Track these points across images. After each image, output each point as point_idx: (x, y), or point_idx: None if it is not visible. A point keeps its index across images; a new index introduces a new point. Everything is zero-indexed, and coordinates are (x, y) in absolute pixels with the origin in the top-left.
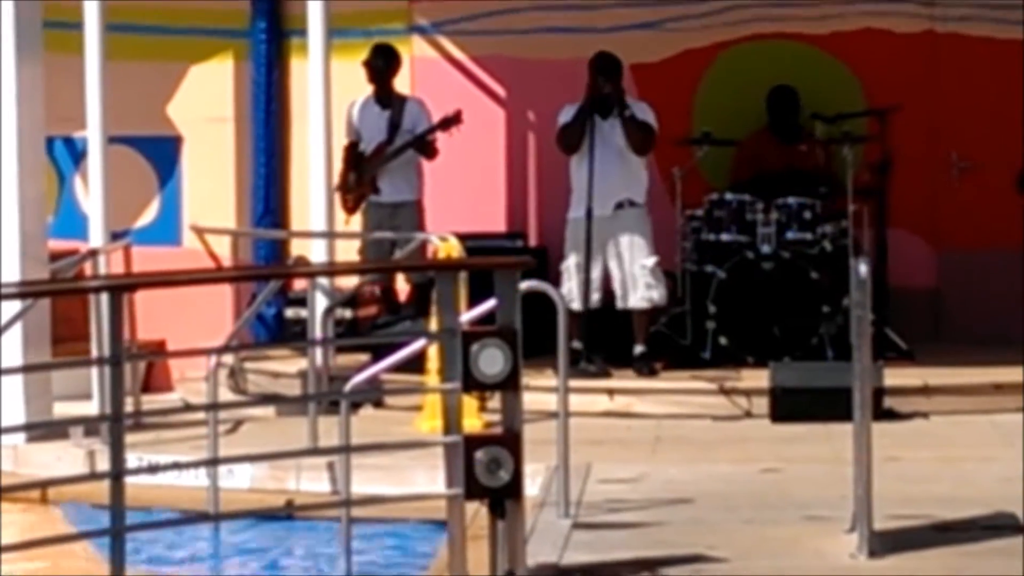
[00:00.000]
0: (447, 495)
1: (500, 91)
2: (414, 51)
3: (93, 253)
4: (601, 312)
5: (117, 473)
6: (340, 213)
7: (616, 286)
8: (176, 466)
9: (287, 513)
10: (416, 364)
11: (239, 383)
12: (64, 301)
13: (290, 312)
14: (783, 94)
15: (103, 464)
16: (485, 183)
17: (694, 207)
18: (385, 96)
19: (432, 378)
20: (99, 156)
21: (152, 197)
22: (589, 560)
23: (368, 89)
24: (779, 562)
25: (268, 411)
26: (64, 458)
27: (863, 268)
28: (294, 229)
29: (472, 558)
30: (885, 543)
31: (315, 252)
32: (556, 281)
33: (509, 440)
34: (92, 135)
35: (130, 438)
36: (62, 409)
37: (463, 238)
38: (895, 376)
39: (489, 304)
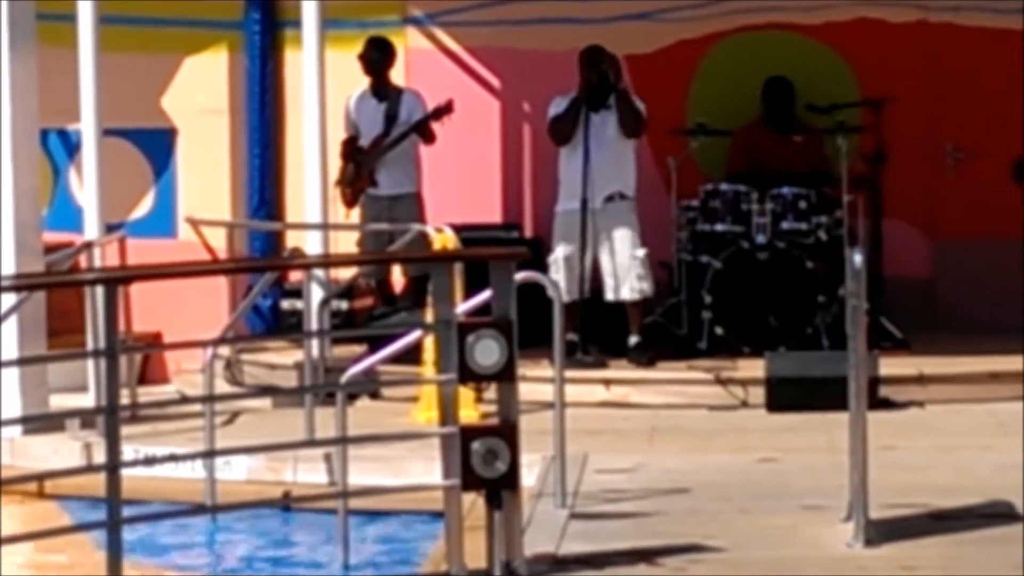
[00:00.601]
0: (444, 486)
1: (495, 82)
2: (409, 42)
3: (88, 245)
4: (596, 303)
5: (113, 465)
6: (340, 206)
7: (606, 277)
8: (172, 458)
9: (284, 505)
10: (412, 355)
11: (235, 375)
12: (59, 294)
13: (286, 304)
14: (778, 85)
15: (99, 456)
16: (480, 174)
17: (689, 198)
18: (382, 88)
19: (428, 369)
20: (94, 148)
21: (147, 189)
22: (586, 550)
23: (364, 81)
24: (776, 551)
25: (264, 403)
26: (60, 450)
27: (858, 258)
28: (289, 221)
29: (469, 549)
30: (881, 532)
31: (311, 244)
32: (549, 272)
33: (505, 431)
34: (86, 127)
35: (126, 430)
36: (58, 401)
37: (458, 229)
38: (891, 365)
39: (485, 295)
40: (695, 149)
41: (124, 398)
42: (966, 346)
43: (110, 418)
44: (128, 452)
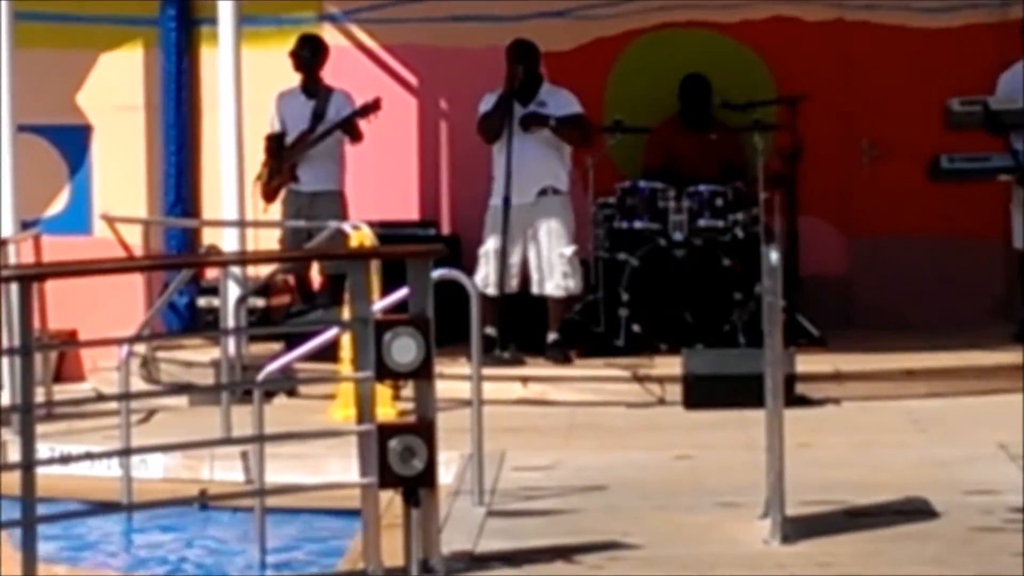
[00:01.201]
0: (361, 484)
1: (412, 80)
2: (325, 39)
3: (2, 243)
4: (516, 299)
5: (28, 464)
6: (259, 201)
7: (533, 272)
8: (88, 456)
9: (201, 503)
10: (329, 353)
11: (151, 373)
12: None
13: (202, 301)
14: (694, 83)
15: (14, 455)
16: (397, 172)
17: (606, 195)
18: (312, 86)
19: (345, 367)
20: (8, 145)
21: (62, 186)
22: (504, 548)
23: (280, 78)
24: (693, 548)
25: (181, 401)
26: None
27: (774, 255)
28: (206, 218)
29: (386, 547)
30: (798, 529)
31: (227, 241)
32: (470, 269)
33: (423, 428)
34: (0, 124)
35: (41, 428)
36: None
37: (375, 226)
38: (807, 362)
39: (402, 293)
40: (612, 146)
41: (39, 396)
42: (881, 343)
43: (25, 416)
44: (43, 450)
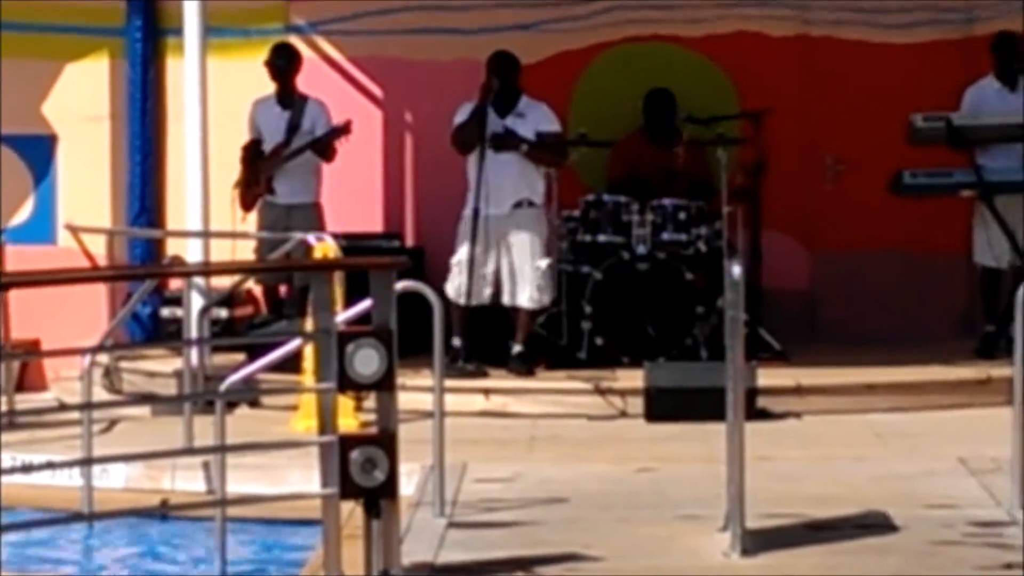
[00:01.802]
0: (322, 495)
1: (377, 92)
2: None
3: None
4: (484, 310)
5: None
6: (238, 209)
7: (505, 283)
8: (50, 466)
9: (162, 513)
10: (292, 364)
11: (114, 383)
12: None
13: (166, 312)
14: (659, 97)
15: None
16: (362, 184)
17: (570, 208)
18: (286, 96)
19: (308, 378)
20: None
21: (26, 196)
22: (464, 559)
23: (249, 88)
24: (653, 561)
25: (143, 411)
26: None
27: (737, 269)
28: (170, 228)
29: (347, 558)
30: (758, 542)
31: (191, 252)
32: (434, 281)
33: (384, 440)
34: None
35: (3, 437)
36: None
37: (340, 238)
38: (768, 376)
39: (365, 304)
40: (576, 160)
41: (1, 405)
42: (843, 357)
43: None
44: (5, 459)
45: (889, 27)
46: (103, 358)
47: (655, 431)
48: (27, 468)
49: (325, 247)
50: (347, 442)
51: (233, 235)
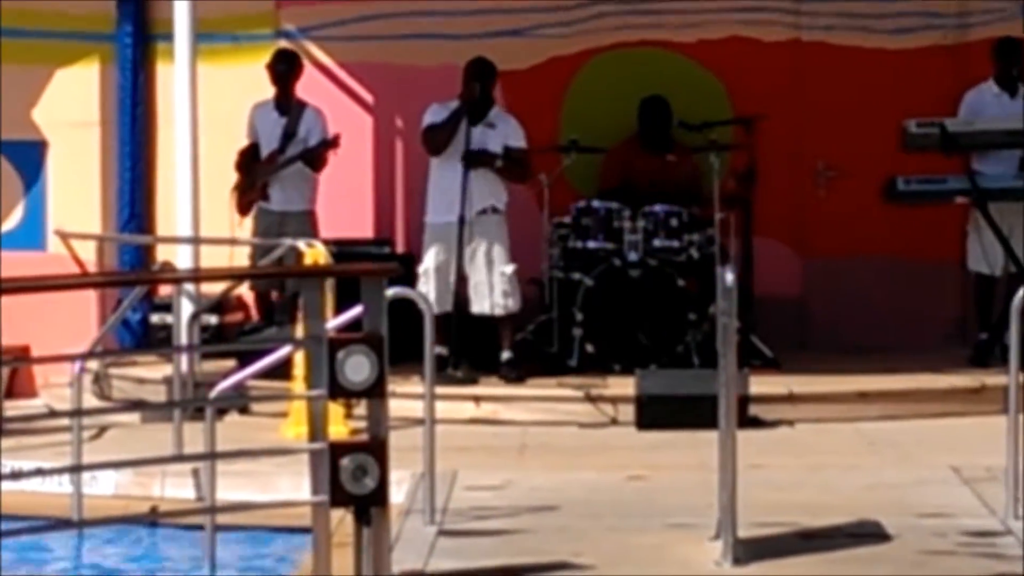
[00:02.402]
0: (312, 502)
1: (368, 97)
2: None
3: None
4: (468, 317)
5: None
6: (235, 213)
7: (471, 291)
8: (39, 472)
9: (152, 520)
10: (282, 371)
11: (104, 389)
12: None
13: (156, 318)
14: (653, 104)
15: None
16: (352, 189)
17: (561, 214)
18: (285, 102)
19: (298, 385)
20: None
21: (16, 202)
22: (455, 567)
23: (239, 94)
24: (645, 569)
25: (133, 417)
26: None
27: (729, 276)
28: (160, 234)
29: (337, 565)
30: (750, 551)
31: (181, 258)
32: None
33: (375, 447)
34: None
35: None
36: None
37: (330, 244)
38: (760, 384)
39: (355, 311)
40: (568, 166)
41: None
42: (835, 365)
43: None
44: None
45: (882, 32)
46: (93, 364)
47: (646, 439)
48: (16, 475)
49: (316, 253)
50: (337, 449)
51: (222, 241)
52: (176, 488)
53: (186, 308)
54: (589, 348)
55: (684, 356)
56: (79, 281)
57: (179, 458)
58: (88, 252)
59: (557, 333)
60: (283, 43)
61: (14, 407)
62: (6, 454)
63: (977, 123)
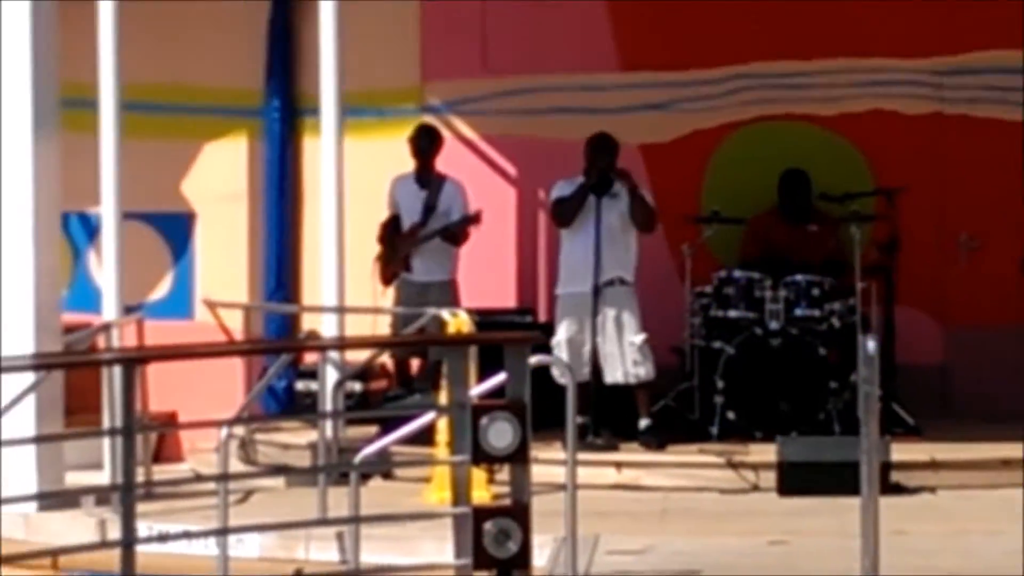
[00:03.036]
0: (456, 565)
1: (511, 170)
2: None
3: (106, 326)
4: (607, 387)
5: (128, 542)
6: (378, 283)
7: (603, 361)
8: (186, 535)
9: None
10: (426, 436)
11: (249, 454)
12: (77, 373)
13: (300, 385)
14: (794, 177)
15: (114, 533)
16: (495, 260)
17: (703, 284)
18: (425, 175)
19: (441, 450)
20: (113, 231)
21: (165, 272)
22: None
23: (384, 167)
24: None
25: (278, 482)
26: (75, 527)
27: (871, 344)
28: (305, 304)
29: None
30: None
31: (326, 326)
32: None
33: (518, 511)
34: (107, 211)
35: (141, 507)
36: (74, 479)
37: (473, 313)
38: (902, 451)
39: (499, 378)
40: (709, 236)
41: (139, 476)
42: (978, 432)
43: (125, 495)
44: (142, 529)
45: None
46: (239, 430)
47: (788, 505)
48: (164, 538)
49: (459, 322)
50: (480, 513)
51: (367, 310)
52: (320, 551)
53: (331, 375)
54: (730, 415)
55: (825, 423)
56: (226, 349)
57: (324, 522)
58: (235, 321)
59: (699, 401)
60: (428, 118)
61: (162, 472)
62: (154, 517)
63: None
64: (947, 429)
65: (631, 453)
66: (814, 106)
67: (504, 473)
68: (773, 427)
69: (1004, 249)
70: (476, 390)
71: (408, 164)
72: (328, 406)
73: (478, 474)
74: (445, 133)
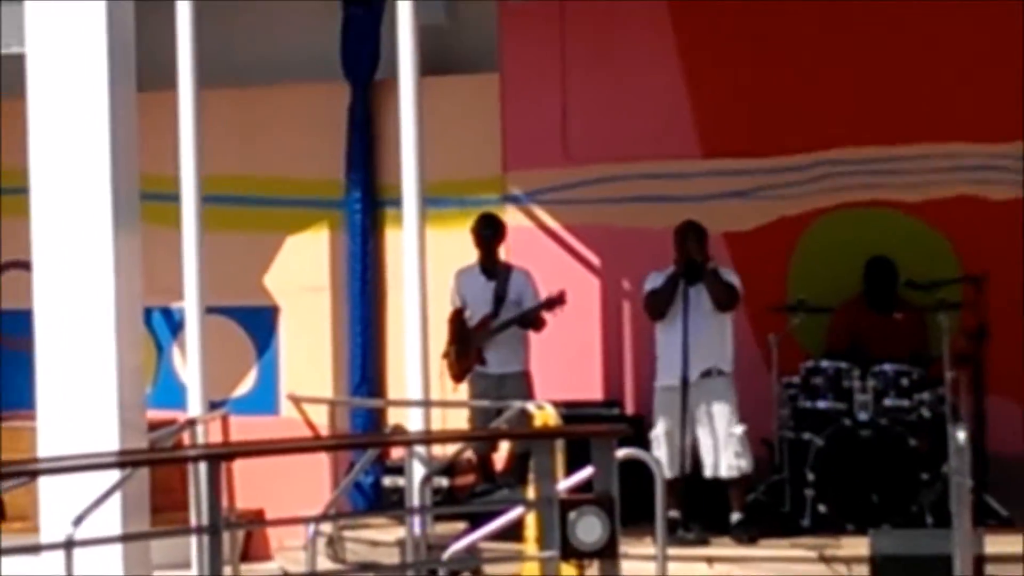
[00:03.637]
0: None
1: (594, 260)
2: (507, 220)
3: (191, 422)
4: (697, 480)
5: None
6: (447, 381)
7: (704, 454)
8: None
9: None
10: (514, 532)
11: (337, 552)
12: (162, 470)
13: (387, 480)
14: (880, 265)
15: None
16: (581, 351)
17: (790, 374)
18: (490, 265)
19: (530, 546)
20: (196, 326)
21: (249, 366)
22: None
23: (464, 258)
24: None
25: None
26: None
27: (961, 435)
28: (391, 398)
29: None
30: None
31: (412, 420)
32: (650, 449)
33: None
34: (189, 305)
35: None
36: None
37: (559, 406)
38: (996, 543)
39: (586, 472)
40: (795, 326)
41: (227, 574)
42: None
43: None
44: None
45: None
46: (326, 527)
47: None
48: None
49: (545, 415)
50: None
51: (454, 404)
52: None
53: (418, 471)
54: (822, 508)
55: (918, 516)
56: (312, 444)
57: None
58: (320, 416)
59: (789, 493)
60: (510, 207)
61: (250, 570)
62: None
63: None
64: None
65: (723, 547)
66: (898, 192)
67: (594, 568)
68: (865, 520)
69: None
70: (564, 484)
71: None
72: (415, 501)
73: (568, 569)
74: (527, 223)
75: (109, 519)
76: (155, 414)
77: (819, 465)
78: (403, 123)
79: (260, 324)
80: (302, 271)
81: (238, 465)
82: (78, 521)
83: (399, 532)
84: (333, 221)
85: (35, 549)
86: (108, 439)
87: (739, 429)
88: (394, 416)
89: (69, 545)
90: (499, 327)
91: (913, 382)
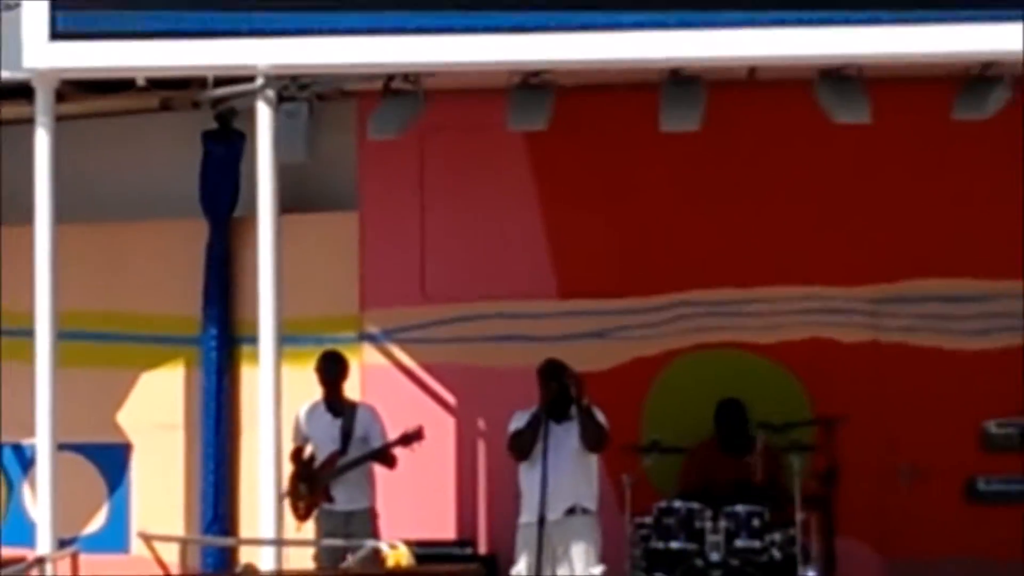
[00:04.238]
0: None
1: (450, 398)
2: (364, 358)
3: (40, 560)
4: None
5: None
6: (291, 520)
7: None
8: None
9: None
10: None
11: None
12: None
13: None
14: (728, 407)
15: None
16: (434, 490)
17: (643, 515)
18: (336, 402)
19: None
20: (47, 463)
21: (101, 504)
22: None
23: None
24: None
25: None
26: None
27: None
28: (243, 536)
29: None
30: None
31: (264, 559)
32: None
33: None
34: (41, 442)
35: None
36: None
37: (412, 545)
38: None
39: None
40: (649, 466)
41: None
42: None
43: None
44: None
45: (961, 334)
46: None
47: None
48: None
49: (399, 555)
50: None
51: (305, 543)
52: None
53: None
54: None
55: None
56: None
57: None
58: (171, 554)
59: None
60: (367, 346)
61: None
62: None
63: None
64: None
65: None
66: (752, 334)
67: None
68: None
69: (944, 479)
70: None
71: (350, 393)
72: None
73: None
74: (383, 361)
75: None
76: (4, 551)
77: None
78: (261, 260)
79: (112, 461)
80: (156, 408)
81: None
82: None
83: None
84: (189, 358)
85: None
86: None
87: (597, 570)
88: (246, 555)
89: None
90: (348, 464)
91: (764, 523)
